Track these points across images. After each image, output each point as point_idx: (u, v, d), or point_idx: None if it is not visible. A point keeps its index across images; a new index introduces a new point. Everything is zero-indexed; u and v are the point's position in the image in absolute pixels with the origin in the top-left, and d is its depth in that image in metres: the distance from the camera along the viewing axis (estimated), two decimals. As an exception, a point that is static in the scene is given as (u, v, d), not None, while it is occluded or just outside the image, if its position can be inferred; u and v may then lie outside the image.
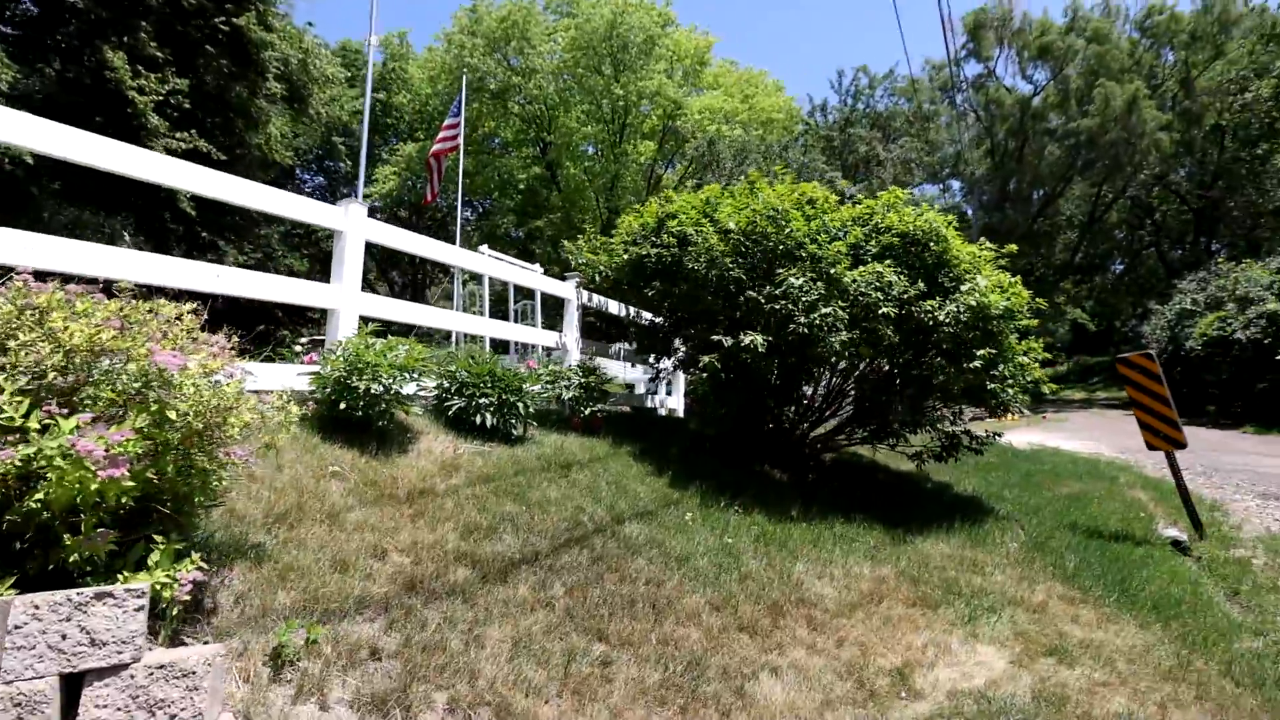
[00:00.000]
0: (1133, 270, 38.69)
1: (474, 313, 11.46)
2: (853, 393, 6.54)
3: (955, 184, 38.20)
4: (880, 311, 5.08)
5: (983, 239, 6.44)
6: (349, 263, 4.48)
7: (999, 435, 7.18)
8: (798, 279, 5.07)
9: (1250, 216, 31.01)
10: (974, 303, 5.31)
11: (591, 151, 33.93)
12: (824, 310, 5.01)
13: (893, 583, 4.40)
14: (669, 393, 9.25)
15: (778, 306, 5.14)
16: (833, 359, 5.38)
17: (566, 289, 7.07)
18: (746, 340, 5.05)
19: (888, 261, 5.33)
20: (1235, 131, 29.34)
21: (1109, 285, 39.97)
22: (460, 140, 13.76)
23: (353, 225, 4.50)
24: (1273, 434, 15.43)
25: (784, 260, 5.45)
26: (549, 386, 6.08)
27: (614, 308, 7.69)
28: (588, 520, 4.06)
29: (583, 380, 6.00)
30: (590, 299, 7.50)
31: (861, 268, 5.20)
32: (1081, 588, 4.81)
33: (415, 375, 4.08)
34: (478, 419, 4.55)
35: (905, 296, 5.24)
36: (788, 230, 5.36)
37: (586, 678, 2.60)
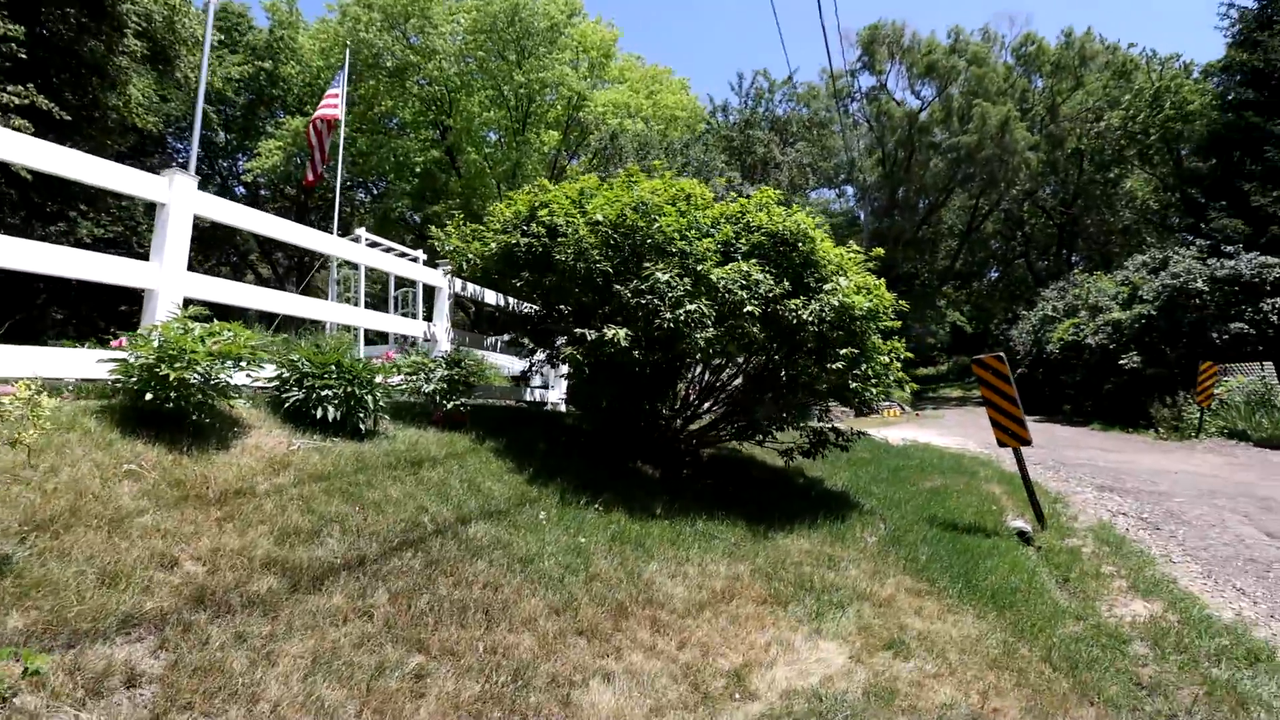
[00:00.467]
0: (1006, 277, 41.64)
1: (347, 299, 10.85)
2: (725, 389, 6.58)
3: (850, 190, 39.92)
4: (745, 310, 5.10)
5: (851, 241, 6.64)
6: (172, 238, 4.04)
7: (864, 433, 7.42)
8: (664, 274, 5.02)
9: (1103, 233, 34.01)
10: (837, 303, 5.42)
11: (494, 138, 33.17)
12: (690, 307, 4.98)
13: (747, 580, 4.41)
14: (551, 386, 9.07)
15: (644, 301, 5.07)
16: (698, 355, 5.36)
17: (436, 277, 6.76)
18: (610, 334, 4.95)
19: (754, 260, 5.36)
20: (1092, 156, 32.08)
21: (985, 291, 42.86)
22: (341, 114, 13.00)
23: (178, 198, 4.06)
24: (1114, 430, 16.91)
25: (654, 255, 5.38)
26: (411, 379, 5.78)
27: (491, 297, 7.43)
28: (428, 521, 3.84)
29: (446, 372, 5.72)
30: (465, 288, 7.21)
31: (729, 265, 5.21)
32: (929, 580, 4.99)
33: (244, 364, 3.72)
34: (319, 412, 4.22)
35: (771, 295, 5.29)
36: (656, 225, 5.29)
37: (393, 694, 2.40)
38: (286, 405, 4.24)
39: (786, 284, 5.41)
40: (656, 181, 6.17)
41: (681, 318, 4.98)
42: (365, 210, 33.16)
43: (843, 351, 5.50)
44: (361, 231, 10.53)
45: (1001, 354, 6.72)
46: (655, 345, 5.25)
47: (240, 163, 34.01)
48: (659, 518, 5.21)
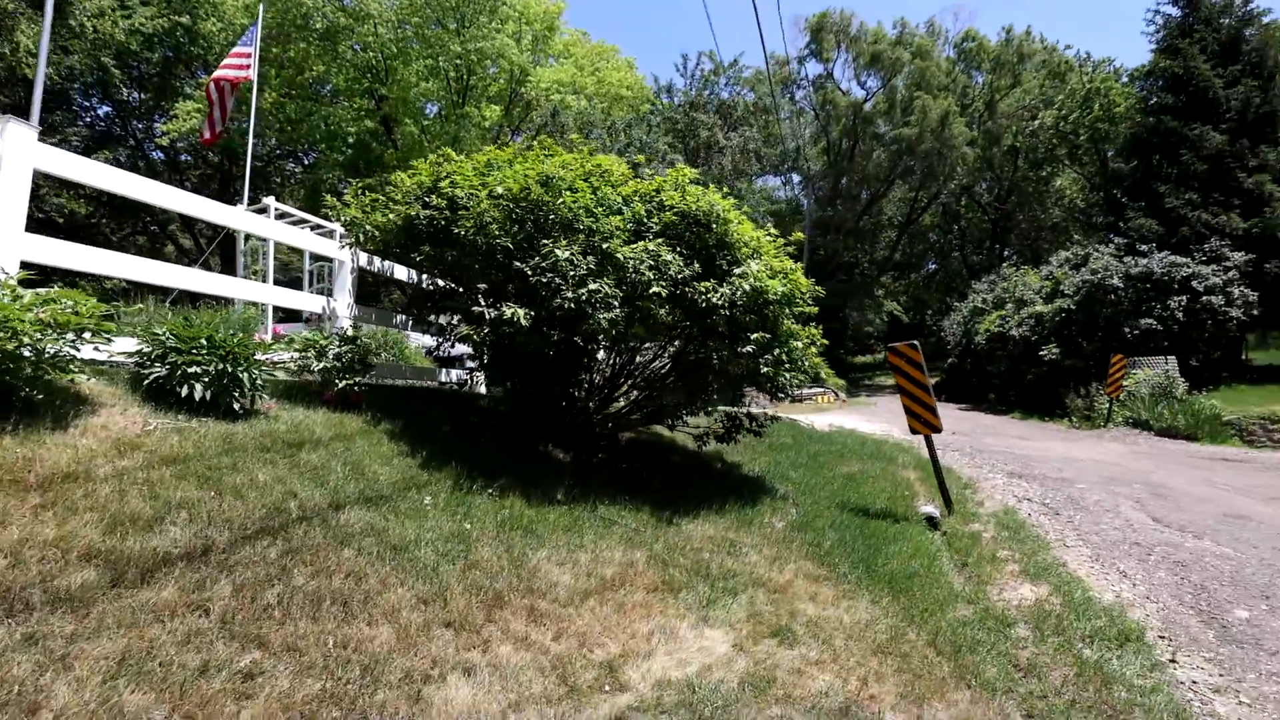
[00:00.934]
0: (943, 270, 42.79)
1: (255, 273, 10.35)
2: (640, 373, 6.48)
3: (796, 178, 40.25)
4: (652, 291, 4.98)
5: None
6: (5, 194, 3.68)
7: (785, 418, 7.43)
8: (564, 252, 4.86)
9: (1034, 230, 35.21)
10: (749, 287, 5.35)
11: (434, 111, 32.23)
12: (592, 286, 4.84)
13: (641, 567, 4.33)
14: (466, 366, 8.83)
15: (545, 279, 4.90)
16: (602, 337, 5.23)
17: (336, 249, 6.43)
18: (509, 313, 4.78)
19: (659, 240, 5.23)
20: (1026, 154, 33.11)
21: (922, 282, 43.99)
22: (254, 74, 12.27)
23: (13, 149, 3.70)
24: (1033, 419, 17.55)
25: (560, 231, 5.21)
26: (303, 357, 5.50)
27: (402, 273, 7.14)
28: (295, 507, 3.62)
29: (339, 350, 5.45)
30: (371, 262, 6.91)
31: (637, 244, 5.08)
32: (830, 566, 5.00)
33: (88, 335, 3.41)
34: (184, 390, 3.94)
35: (681, 277, 5.19)
36: (561, 199, 5.12)
37: (213, 696, 2.22)
38: (148, 382, 3.93)
39: (697, 266, 5.31)
40: (570, 155, 5.98)
41: (583, 297, 4.83)
42: (296, 181, 31.88)
43: (754, 336, 5.44)
44: (270, 201, 9.98)
45: (915, 342, 6.79)
46: (557, 325, 5.09)
47: (157, 124, 32.17)
48: (559, 504, 5.08)
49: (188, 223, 34.13)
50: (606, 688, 3.02)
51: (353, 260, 6.77)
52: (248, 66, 12.06)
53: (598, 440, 7.03)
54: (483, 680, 2.80)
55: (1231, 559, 5.70)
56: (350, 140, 29.94)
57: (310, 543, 3.30)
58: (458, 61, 28.86)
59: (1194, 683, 3.69)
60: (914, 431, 7.06)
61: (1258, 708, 3.44)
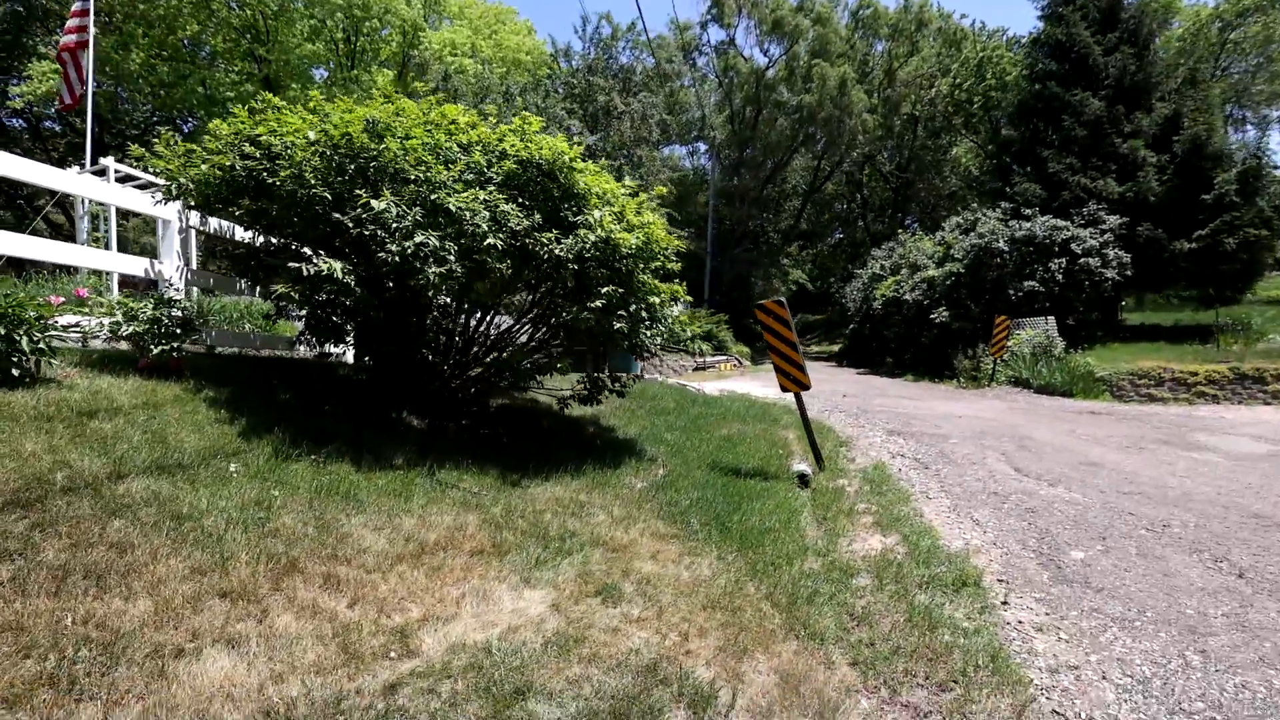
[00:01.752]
0: (849, 238, 43.87)
1: (97, 239, 9.38)
2: (494, 334, 6.11)
3: (703, 146, 40.19)
4: (487, 243, 4.61)
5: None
6: None
7: (640, 378, 7.21)
8: (381, 202, 4.42)
9: (933, 197, 36.43)
10: (597, 238, 5.05)
11: (324, 77, 30.39)
12: (419, 239, 4.42)
13: (471, 530, 4.02)
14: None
15: (367, 232, 4.46)
16: (446, 296, 4.84)
17: (151, 205, 5.75)
18: (325, 268, 4.32)
19: (492, 188, 4.85)
20: (925, 122, 34.06)
21: (828, 251, 44.98)
22: (90, 34, 11.07)
23: None
24: (925, 380, 18.13)
25: (389, 181, 4.76)
26: (114, 320, 4.90)
27: (243, 233, 6.49)
28: (63, 478, 3.16)
29: (153, 313, 4.86)
30: (205, 221, 6.24)
31: (467, 193, 4.67)
32: (682, 524, 4.83)
33: None
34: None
35: (520, 228, 4.83)
36: (383, 145, 4.66)
37: None
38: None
39: (538, 216, 4.96)
40: (410, 103, 5.50)
41: (408, 250, 4.42)
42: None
43: (604, 290, 5.15)
44: (108, 162, 8.99)
45: (783, 299, 6.67)
46: (384, 283, 4.66)
47: (12, 86, 29.11)
48: (396, 469, 4.71)
49: (61, 200, 31.17)
50: (393, 654, 2.72)
51: (181, 219, 6.09)
52: (85, 28, 10.88)
53: (461, 406, 6.64)
54: (248, 652, 2.48)
55: (1078, 504, 5.86)
56: (230, 106, 27.85)
57: (73, 515, 2.89)
58: (342, 18, 27.24)
59: (1020, 623, 3.68)
60: (784, 389, 6.97)
61: (1074, 643, 3.45)
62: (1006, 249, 17.59)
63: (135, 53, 27.24)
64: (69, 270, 9.28)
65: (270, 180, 4.66)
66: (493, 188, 5.08)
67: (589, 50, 26.25)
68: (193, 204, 5.42)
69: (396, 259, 4.42)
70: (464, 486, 4.67)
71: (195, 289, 7.21)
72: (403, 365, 6.16)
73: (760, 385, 16.07)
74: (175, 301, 5.08)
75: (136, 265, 5.85)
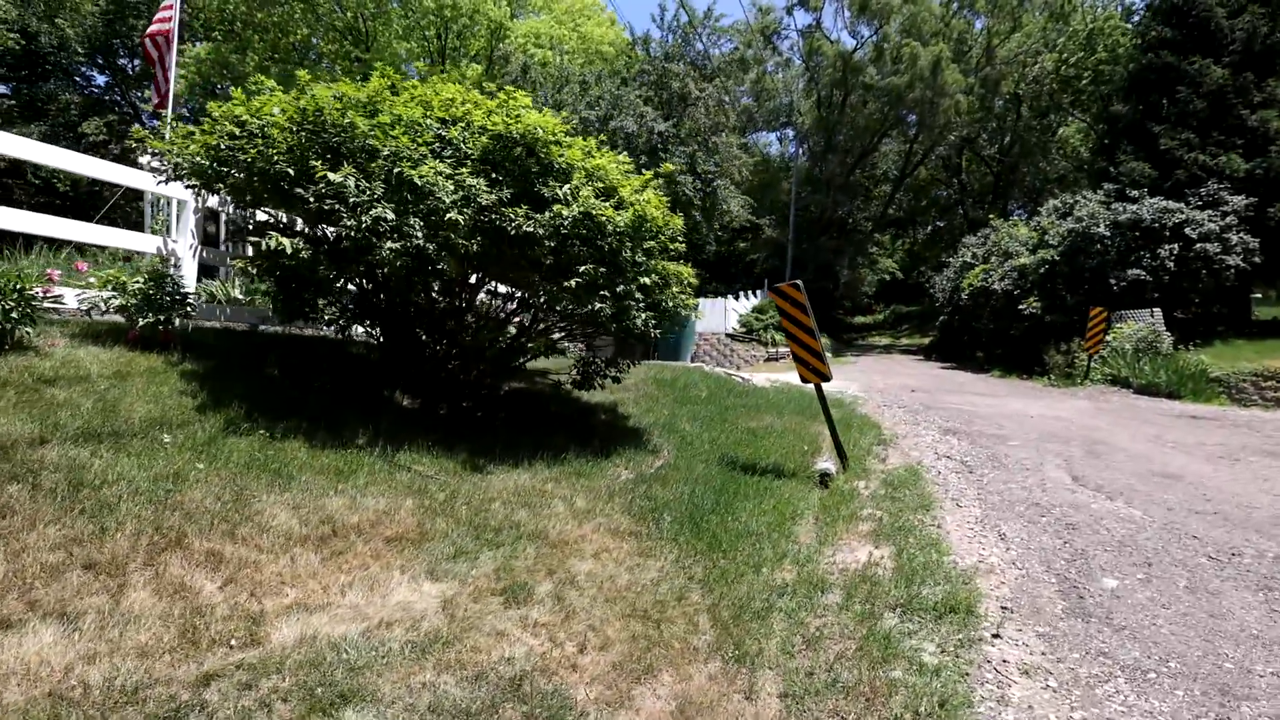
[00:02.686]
0: (948, 226, 41.38)
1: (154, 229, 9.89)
2: (484, 314, 5.90)
3: (790, 133, 38.85)
4: (449, 218, 4.37)
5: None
6: None
7: (633, 365, 6.87)
8: (338, 175, 4.25)
9: (1039, 182, 33.74)
10: (576, 214, 4.72)
11: (416, 76, 31.38)
12: (375, 212, 4.23)
13: (401, 515, 3.81)
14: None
15: (326, 206, 4.31)
16: (385, 269, 4.65)
17: (179, 189, 5.86)
18: (275, 243, 4.21)
19: (470, 164, 4.62)
20: (1032, 102, 31.52)
21: (924, 239, 42.63)
22: (174, 27, 11.66)
23: None
24: (1012, 377, 16.71)
25: (361, 156, 4.61)
26: (114, 293, 5.04)
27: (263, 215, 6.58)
28: None
29: (141, 286, 4.95)
30: (224, 204, 6.35)
31: (425, 166, 4.44)
32: (652, 521, 4.46)
33: None
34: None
35: (489, 203, 4.56)
36: (347, 118, 4.50)
37: None
38: None
39: (507, 191, 4.68)
40: (413, 83, 5.37)
41: (366, 225, 4.24)
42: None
43: (582, 269, 4.82)
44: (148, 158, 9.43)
45: (799, 282, 6.12)
46: (345, 258, 4.51)
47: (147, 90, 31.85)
48: (355, 448, 4.58)
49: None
50: (234, 642, 2.53)
51: (197, 200, 6.21)
52: (169, 20, 11.50)
53: (463, 388, 6.48)
54: (79, 628, 2.38)
55: (1134, 522, 5.06)
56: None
57: (-31, 475, 2.87)
58: (433, 19, 28.02)
59: (1004, 662, 3.10)
60: (804, 380, 6.44)
61: (1061, 694, 2.85)
62: (1108, 234, 15.92)
63: (250, 56, 29.04)
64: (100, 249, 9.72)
65: (242, 158, 4.60)
66: (470, 163, 4.85)
67: (666, 38, 25.82)
68: (193, 184, 5.47)
69: (353, 233, 4.26)
70: (419, 469, 4.48)
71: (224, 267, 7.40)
72: (400, 345, 6.07)
73: (837, 377, 15.30)
74: (166, 276, 5.14)
75: (147, 243, 6.00)
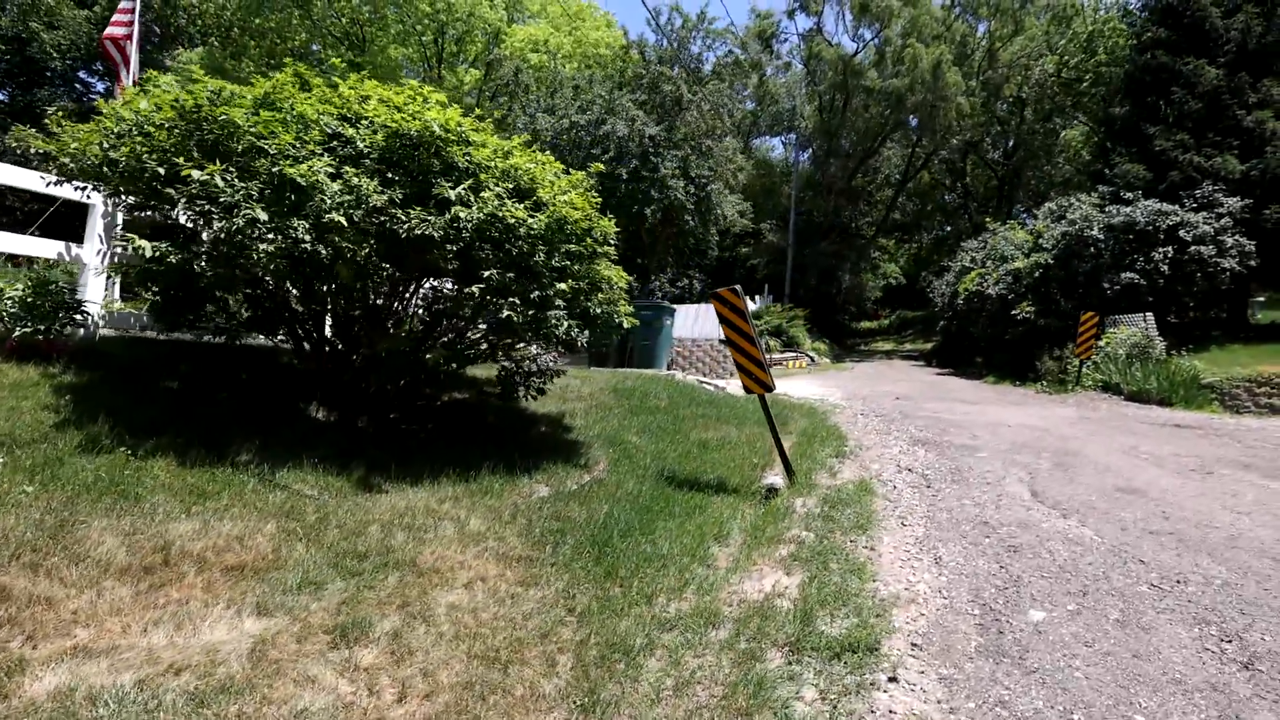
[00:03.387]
0: (955, 230, 40.76)
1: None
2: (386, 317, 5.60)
3: (794, 138, 38.43)
4: (327, 219, 4.09)
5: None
6: None
7: (561, 374, 6.56)
8: (204, 174, 3.98)
9: (1043, 186, 33.18)
10: (478, 217, 4.43)
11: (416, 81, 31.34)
12: (246, 213, 3.96)
13: (258, 541, 3.52)
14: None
15: (197, 207, 4.05)
16: (261, 272, 4.36)
17: (90, 193, 5.60)
18: (134, 246, 3.94)
19: (351, 167, 4.33)
20: (1036, 105, 30.99)
21: (929, 244, 42.07)
22: (135, 31, 11.45)
23: None
24: (1005, 383, 16.25)
25: (246, 154, 4.34)
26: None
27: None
28: None
29: (18, 293, 4.70)
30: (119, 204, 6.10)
31: (304, 164, 4.16)
32: (550, 546, 4.15)
33: None
34: None
35: (379, 204, 4.28)
36: (219, 111, 4.23)
37: None
38: None
39: (400, 191, 4.40)
40: (320, 80, 5.11)
41: (238, 225, 3.97)
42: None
43: (486, 274, 4.53)
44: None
45: (737, 287, 5.81)
46: (224, 262, 4.24)
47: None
48: (232, 466, 4.30)
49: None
50: None
51: (105, 203, 5.97)
52: (131, 23, 11.29)
53: (390, 400, 6.20)
54: None
55: (1082, 543, 4.69)
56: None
57: None
58: (429, 23, 27.94)
59: (889, 713, 2.76)
60: (748, 390, 6.11)
61: (941, 752, 2.51)
62: (1101, 237, 15.49)
63: (246, 61, 29.04)
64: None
65: (115, 156, 4.35)
66: (368, 162, 4.58)
67: (661, 42, 25.58)
68: (82, 185, 5.20)
69: (225, 235, 3.99)
70: (299, 489, 4.20)
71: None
72: (316, 354, 5.79)
73: (816, 385, 15.01)
74: (51, 283, 4.88)
75: (47, 248, 5.71)
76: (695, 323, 23.62)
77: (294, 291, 5.10)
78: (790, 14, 31.76)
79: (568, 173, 5.64)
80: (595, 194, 5.67)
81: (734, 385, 12.58)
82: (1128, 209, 15.45)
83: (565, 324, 5.13)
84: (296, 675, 2.56)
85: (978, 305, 19.35)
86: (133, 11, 11.64)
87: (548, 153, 5.54)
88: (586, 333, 5.40)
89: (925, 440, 8.43)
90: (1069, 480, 6.37)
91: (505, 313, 4.69)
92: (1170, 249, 14.84)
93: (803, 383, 16.17)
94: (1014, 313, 16.64)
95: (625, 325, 5.65)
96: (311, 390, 5.88)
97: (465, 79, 30.00)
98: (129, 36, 11.20)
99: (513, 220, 4.60)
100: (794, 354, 22.40)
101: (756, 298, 30.05)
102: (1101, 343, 14.39)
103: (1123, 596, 3.80)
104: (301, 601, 3.07)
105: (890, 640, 3.34)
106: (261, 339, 7.01)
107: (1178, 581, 3.98)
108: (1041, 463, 7.13)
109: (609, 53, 30.39)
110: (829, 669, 3.03)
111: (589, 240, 5.35)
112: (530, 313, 4.84)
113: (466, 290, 4.53)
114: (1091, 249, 15.68)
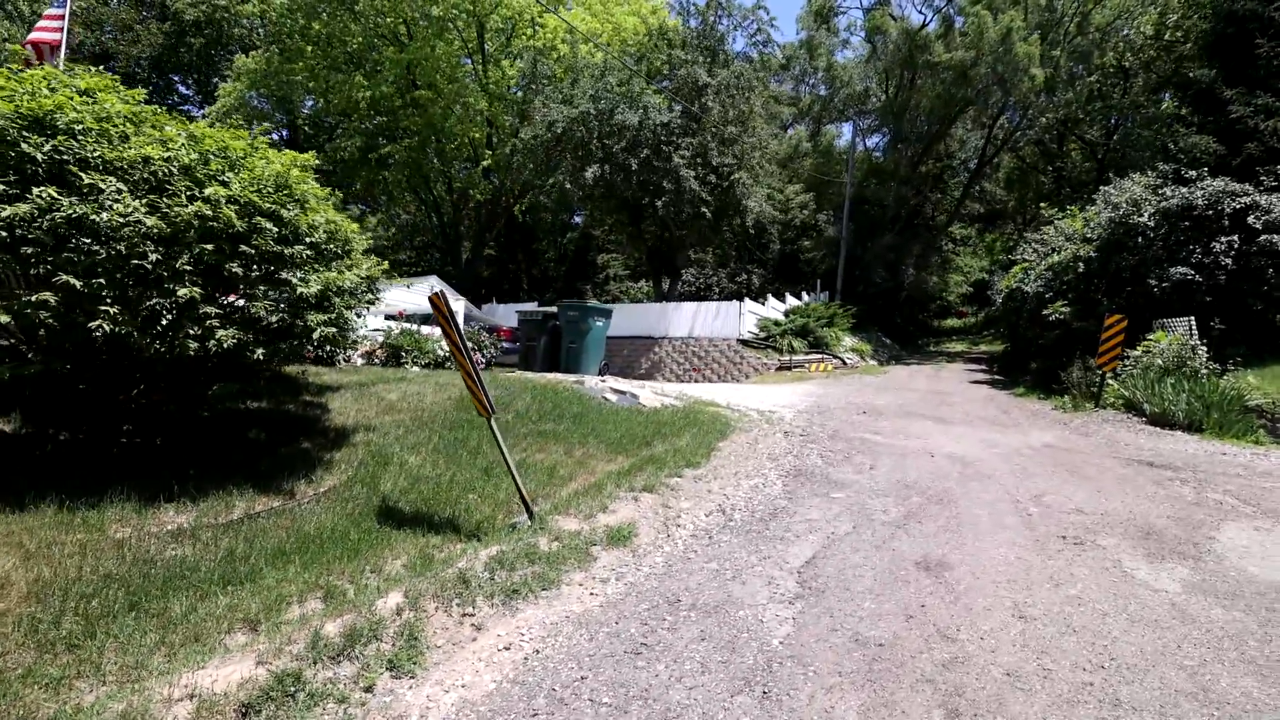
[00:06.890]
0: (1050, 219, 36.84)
1: None
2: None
3: (863, 122, 35.92)
4: None
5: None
6: None
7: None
8: None
9: (1150, 169, 29.14)
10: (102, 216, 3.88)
11: (471, 82, 31.53)
12: None
13: None
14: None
15: None
16: None
17: None
18: None
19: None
20: (1143, 75, 27.21)
21: (1018, 235, 38.20)
22: (62, 38, 11.68)
23: None
24: (1033, 396, 14.12)
25: None
26: None
27: None
28: None
29: None
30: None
31: None
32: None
33: None
34: None
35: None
36: None
37: None
38: None
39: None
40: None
41: None
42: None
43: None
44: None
45: (442, 290, 5.00)
46: None
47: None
48: None
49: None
50: None
51: None
52: (58, 30, 11.60)
53: (162, 420, 5.83)
54: None
55: (768, 651, 3.57)
56: (364, 109, 29.89)
57: None
58: (466, 15, 28.01)
59: None
60: (480, 414, 5.27)
61: None
62: (1151, 225, 13.09)
63: (300, 65, 30.11)
64: None
65: None
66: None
67: (687, 24, 24.32)
68: None
69: None
70: None
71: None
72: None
73: (794, 394, 13.72)
74: None
75: None
76: (697, 321, 22.45)
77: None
78: (853, -13, 29.52)
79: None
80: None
81: (703, 391, 11.51)
82: (1185, 190, 12.97)
83: (327, 331, 4.50)
84: None
85: (1016, 305, 17.09)
86: (63, 18, 11.89)
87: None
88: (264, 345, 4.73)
89: (803, 471, 7.20)
90: (877, 546, 5.07)
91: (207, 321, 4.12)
92: (1235, 238, 12.31)
93: (783, 390, 14.79)
94: (1045, 313, 14.47)
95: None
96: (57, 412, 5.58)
97: (510, 71, 29.83)
98: (57, 44, 11.48)
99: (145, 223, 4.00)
100: (820, 356, 20.74)
101: (805, 294, 28.24)
102: (1137, 352, 12.16)
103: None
104: None
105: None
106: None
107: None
108: (890, 513, 5.80)
109: (645, 36, 29.27)
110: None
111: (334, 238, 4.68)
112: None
113: (177, 291, 3.99)
114: (1140, 238, 13.30)
